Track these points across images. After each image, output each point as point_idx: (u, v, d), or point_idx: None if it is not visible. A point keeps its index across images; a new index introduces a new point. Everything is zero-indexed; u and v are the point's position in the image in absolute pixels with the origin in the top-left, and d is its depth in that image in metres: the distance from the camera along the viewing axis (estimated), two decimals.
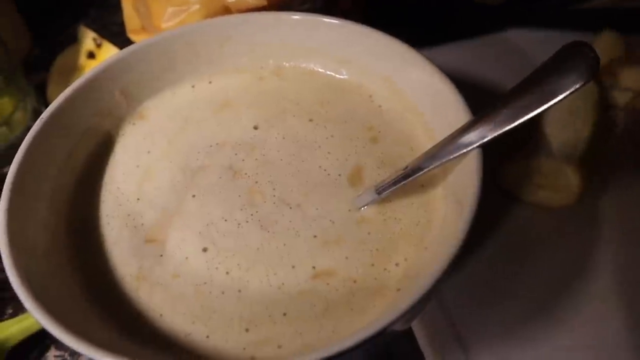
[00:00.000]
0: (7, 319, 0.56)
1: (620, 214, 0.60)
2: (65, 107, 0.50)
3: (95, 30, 0.79)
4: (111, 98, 0.54)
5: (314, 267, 0.43)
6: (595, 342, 0.52)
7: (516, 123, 0.41)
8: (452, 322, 0.54)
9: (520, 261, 0.57)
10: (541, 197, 0.60)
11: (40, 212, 0.46)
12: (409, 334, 0.54)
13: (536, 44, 0.77)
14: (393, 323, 0.36)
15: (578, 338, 0.53)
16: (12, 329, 0.53)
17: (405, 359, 0.54)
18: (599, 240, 0.58)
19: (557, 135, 0.61)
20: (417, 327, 0.54)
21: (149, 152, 0.52)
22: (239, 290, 0.42)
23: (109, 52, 0.73)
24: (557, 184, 0.58)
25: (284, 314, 0.41)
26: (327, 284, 0.43)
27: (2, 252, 0.40)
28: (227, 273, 0.43)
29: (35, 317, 0.37)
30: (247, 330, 0.41)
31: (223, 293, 0.42)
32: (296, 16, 0.55)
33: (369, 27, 0.53)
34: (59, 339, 0.36)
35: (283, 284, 0.42)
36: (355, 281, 0.43)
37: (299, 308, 0.41)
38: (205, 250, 0.45)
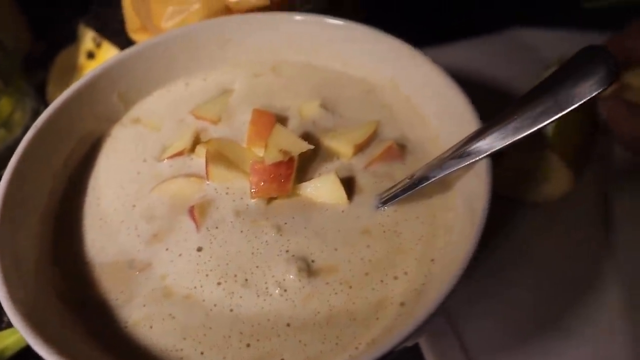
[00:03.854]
0: (4, 328, 0.55)
1: (612, 202, 0.59)
2: (62, 112, 0.49)
3: (96, 27, 0.77)
4: (109, 101, 0.53)
5: (313, 261, 0.42)
6: (606, 355, 0.51)
7: (531, 131, 0.39)
8: (458, 334, 0.52)
9: (525, 267, 0.56)
10: (543, 192, 0.58)
11: (33, 223, 0.45)
12: (414, 346, 0.52)
13: (545, 41, 0.76)
14: (400, 343, 0.35)
15: (586, 350, 0.51)
16: (10, 339, 0.52)
17: None
18: (600, 235, 0.57)
19: (547, 128, 0.60)
20: (423, 339, 0.52)
21: (144, 159, 0.50)
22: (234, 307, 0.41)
23: (108, 52, 0.71)
24: (549, 176, 0.57)
25: (288, 325, 0.40)
26: (327, 283, 0.41)
27: None
28: (219, 284, 0.42)
29: (22, 335, 0.36)
30: (248, 345, 0.39)
31: (215, 306, 0.41)
32: (299, 17, 0.53)
33: (372, 28, 0.52)
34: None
35: (285, 290, 0.41)
36: (350, 287, 0.41)
37: (302, 316, 0.40)
38: (200, 249, 0.44)
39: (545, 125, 0.39)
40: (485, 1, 0.82)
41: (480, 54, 0.76)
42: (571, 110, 0.38)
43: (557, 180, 0.58)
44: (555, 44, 0.73)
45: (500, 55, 0.76)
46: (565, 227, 0.59)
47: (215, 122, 0.52)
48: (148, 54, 0.53)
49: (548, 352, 0.51)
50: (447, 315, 0.53)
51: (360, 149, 0.48)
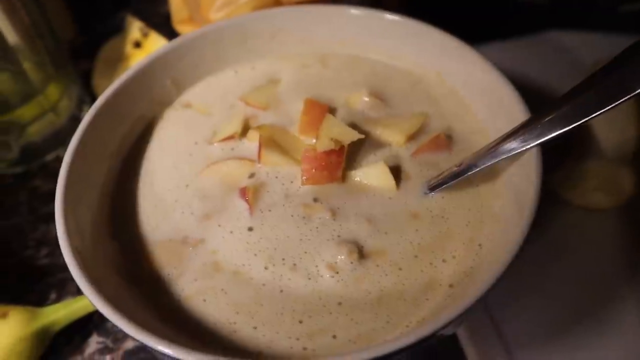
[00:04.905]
0: (50, 304, 0.57)
1: None
2: (119, 94, 0.50)
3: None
4: (163, 86, 0.54)
5: (362, 246, 0.43)
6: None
7: (577, 123, 0.39)
8: (496, 325, 0.53)
9: (567, 264, 0.57)
10: (592, 200, 0.59)
11: (92, 198, 0.47)
12: (452, 335, 0.53)
13: (582, 44, 0.76)
14: (449, 323, 0.35)
15: (625, 345, 0.52)
16: (58, 314, 0.54)
17: None
18: None
19: (605, 136, 0.60)
20: (460, 330, 0.53)
21: (195, 142, 0.52)
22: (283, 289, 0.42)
23: (155, 42, 0.73)
24: (610, 187, 0.57)
25: (339, 304, 0.41)
26: (377, 265, 0.42)
27: (59, 236, 0.40)
28: (266, 268, 0.43)
29: (91, 301, 0.37)
30: (300, 322, 0.40)
31: (264, 285, 0.42)
32: (355, 11, 0.55)
33: (426, 24, 0.53)
34: (114, 323, 0.36)
35: (337, 272, 0.42)
36: (400, 268, 0.42)
37: (354, 296, 0.41)
38: (250, 229, 0.45)
39: (594, 117, 0.39)
40: (523, 4, 0.83)
41: (516, 55, 0.76)
42: (623, 103, 0.39)
43: (620, 191, 0.58)
44: (591, 47, 0.74)
45: (536, 57, 0.76)
46: (613, 229, 0.59)
47: (264, 109, 0.53)
48: (200, 42, 0.55)
49: (585, 345, 0.52)
50: (486, 308, 0.54)
51: (411, 138, 0.49)
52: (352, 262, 0.42)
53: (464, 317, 0.36)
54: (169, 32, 0.74)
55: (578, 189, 0.59)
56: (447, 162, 0.48)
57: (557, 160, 0.59)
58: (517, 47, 0.78)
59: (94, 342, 0.56)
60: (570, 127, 0.40)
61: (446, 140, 0.49)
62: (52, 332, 0.54)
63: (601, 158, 0.58)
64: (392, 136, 0.49)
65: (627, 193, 0.58)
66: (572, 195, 0.60)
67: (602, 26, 0.77)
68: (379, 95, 0.53)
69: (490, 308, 0.54)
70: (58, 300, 0.58)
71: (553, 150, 0.58)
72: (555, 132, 0.41)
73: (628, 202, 0.59)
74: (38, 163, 0.69)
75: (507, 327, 0.53)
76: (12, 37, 0.61)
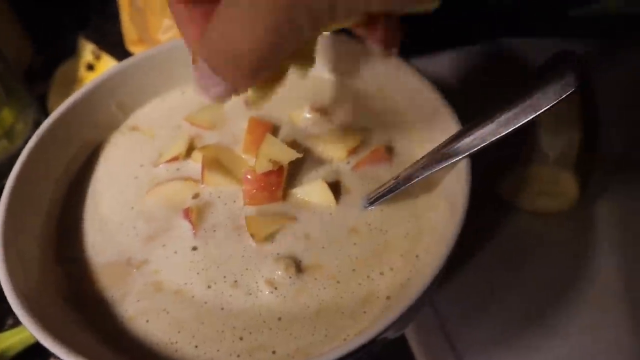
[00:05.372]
0: (7, 329, 0.57)
1: (616, 217, 0.60)
2: (63, 120, 0.51)
3: (95, 40, 0.79)
4: (108, 110, 0.55)
5: (300, 261, 0.44)
6: (593, 351, 0.53)
7: (503, 134, 0.41)
8: (446, 331, 0.54)
9: (516, 269, 0.58)
10: (539, 205, 0.60)
11: (37, 224, 0.47)
12: (402, 342, 0.54)
13: (530, 51, 0.78)
14: (385, 331, 0.37)
15: (575, 347, 0.53)
16: (13, 340, 0.54)
17: None
18: (596, 245, 0.59)
19: (550, 142, 0.61)
20: (410, 335, 0.54)
21: (141, 164, 0.52)
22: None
23: (107, 64, 0.74)
24: (554, 190, 0.59)
25: (279, 319, 0.42)
26: (315, 278, 0.43)
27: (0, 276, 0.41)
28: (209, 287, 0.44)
29: (30, 331, 0.38)
30: (241, 338, 0.41)
31: (206, 303, 0.43)
32: None
33: (361, 40, 0.54)
34: (56, 354, 0.37)
35: (275, 288, 0.43)
36: (338, 282, 0.43)
37: (293, 311, 0.42)
38: (194, 249, 0.46)
39: (520, 127, 0.41)
40: (473, 11, 0.84)
41: (468, 62, 0.77)
42: (545, 112, 0.40)
43: (565, 195, 0.59)
44: (542, 53, 0.75)
45: (488, 64, 0.78)
46: (561, 233, 0.60)
47: (210, 128, 0.54)
48: (145, 64, 0.55)
49: (534, 349, 0.53)
50: (436, 313, 0.55)
51: (352, 153, 0.51)
52: (290, 277, 0.43)
53: (398, 325, 0.38)
54: (124, 52, 0.75)
55: (524, 194, 0.61)
56: (388, 174, 0.49)
57: (505, 167, 0.61)
58: (468, 55, 0.79)
59: None
60: (497, 137, 0.42)
61: (386, 154, 0.50)
62: (8, 358, 0.54)
63: (545, 162, 0.59)
64: (334, 151, 0.50)
65: (572, 196, 0.59)
66: (519, 200, 0.61)
67: (552, 32, 0.78)
68: (321, 111, 0.54)
69: (440, 313, 0.55)
70: (15, 325, 0.58)
71: (502, 157, 0.60)
72: (483, 143, 0.42)
73: (575, 206, 0.60)
74: None
75: (458, 332, 0.54)
76: None
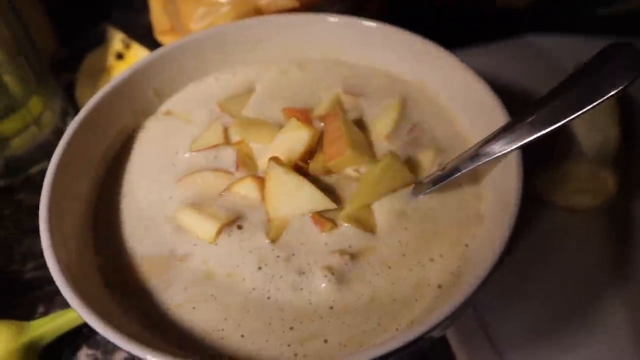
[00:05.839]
0: (38, 317, 0.56)
1: None
2: (101, 106, 0.50)
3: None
4: (145, 97, 0.54)
5: (350, 246, 0.44)
6: (633, 348, 0.52)
7: (558, 125, 0.40)
8: (485, 326, 0.53)
9: (552, 265, 0.57)
10: (574, 201, 0.59)
11: (76, 211, 0.47)
12: (442, 338, 0.53)
13: (559, 48, 0.77)
14: (438, 325, 0.36)
15: (614, 344, 0.52)
16: (45, 328, 0.53)
17: None
18: (633, 240, 0.58)
19: (586, 138, 0.60)
20: (450, 330, 0.54)
21: (176, 152, 0.52)
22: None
23: (137, 53, 0.73)
24: (591, 187, 0.58)
25: (331, 307, 0.41)
26: (368, 263, 0.43)
27: (44, 250, 0.40)
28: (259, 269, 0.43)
29: (79, 314, 0.37)
30: (291, 328, 0.40)
31: (254, 289, 0.43)
32: (333, 19, 0.55)
33: (404, 30, 0.53)
34: (103, 335, 0.36)
35: (325, 275, 0.42)
36: (389, 267, 0.43)
37: (345, 300, 0.41)
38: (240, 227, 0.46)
39: (571, 119, 0.40)
40: (502, 8, 0.84)
41: (496, 60, 0.77)
42: (599, 105, 0.39)
43: (602, 192, 0.59)
44: (569, 51, 0.74)
45: (516, 61, 0.77)
46: (596, 229, 0.60)
47: (242, 115, 0.54)
48: (181, 52, 0.55)
49: (573, 344, 0.53)
50: (475, 310, 0.55)
51: (390, 137, 0.51)
52: (346, 264, 0.43)
53: (453, 318, 0.37)
54: (151, 43, 0.74)
55: (560, 191, 0.60)
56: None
57: (539, 163, 0.60)
58: (496, 51, 0.79)
59: (84, 355, 0.55)
60: (549, 129, 0.41)
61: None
62: (40, 346, 0.53)
63: (582, 159, 0.59)
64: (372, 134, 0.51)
65: (609, 193, 0.59)
66: (555, 197, 0.61)
67: (580, 29, 0.78)
68: (357, 95, 0.55)
69: (479, 311, 0.55)
70: (46, 313, 0.58)
71: (535, 153, 0.59)
72: (534, 134, 0.41)
73: (611, 201, 0.60)
74: (22, 176, 0.69)
75: (496, 329, 0.53)
76: None
